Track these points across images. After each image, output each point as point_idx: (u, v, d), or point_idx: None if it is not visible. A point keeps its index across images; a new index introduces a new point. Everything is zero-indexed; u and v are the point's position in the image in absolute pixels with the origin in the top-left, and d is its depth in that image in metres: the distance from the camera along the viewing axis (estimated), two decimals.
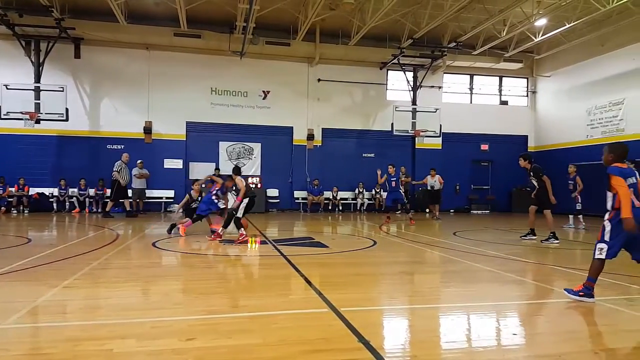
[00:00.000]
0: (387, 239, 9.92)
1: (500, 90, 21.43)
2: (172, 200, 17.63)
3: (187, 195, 10.56)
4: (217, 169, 17.95)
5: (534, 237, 9.61)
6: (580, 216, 12.59)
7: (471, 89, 21.17)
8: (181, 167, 18.05)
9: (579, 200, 12.29)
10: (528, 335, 3.58)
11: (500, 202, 20.38)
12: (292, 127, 19.14)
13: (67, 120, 15.93)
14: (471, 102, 21.09)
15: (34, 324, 3.62)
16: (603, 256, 4.45)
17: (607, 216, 4.45)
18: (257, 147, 18.91)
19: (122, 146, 17.12)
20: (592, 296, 4.43)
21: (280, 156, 18.95)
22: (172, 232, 9.75)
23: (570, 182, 12.51)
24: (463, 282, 5.48)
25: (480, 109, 20.89)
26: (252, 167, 18.77)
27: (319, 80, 19.19)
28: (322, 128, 19.37)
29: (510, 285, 5.35)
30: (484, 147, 20.90)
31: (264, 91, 18.81)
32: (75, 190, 16.66)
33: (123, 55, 17.53)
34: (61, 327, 3.47)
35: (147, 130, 17.62)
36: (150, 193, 16.83)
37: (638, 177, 4.44)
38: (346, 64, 19.28)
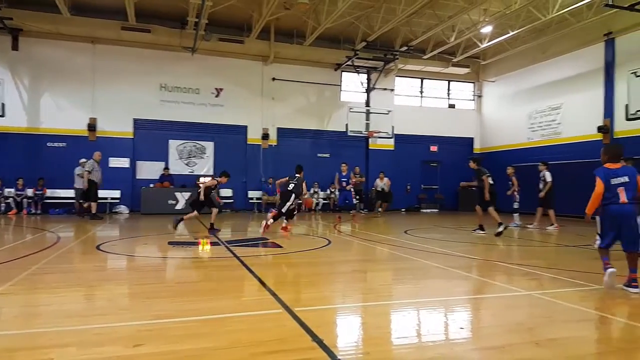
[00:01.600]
0: (341, 238, 10.01)
1: (448, 94, 22.20)
2: (117, 200, 16.90)
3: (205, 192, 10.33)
4: (166, 168, 17.42)
5: (483, 232, 10.44)
6: (517, 214, 13.16)
7: (421, 92, 21.79)
8: (128, 166, 17.34)
9: (517, 199, 12.93)
10: (474, 329, 3.72)
11: (448, 201, 21.10)
12: (246, 126, 18.91)
13: (3, 115, 14.92)
14: (421, 105, 21.71)
15: None
16: (596, 246, 5.10)
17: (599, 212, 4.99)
18: (209, 146, 18.51)
19: (65, 144, 16.25)
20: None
21: (234, 155, 18.66)
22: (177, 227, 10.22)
23: (509, 182, 13.16)
24: (414, 279, 5.63)
25: (430, 111, 21.57)
26: (205, 166, 18.35)
27: (273, 79, 19.07)
28: (278, 127, 19.27)
29: (457, 280, 5.55)
30: (433, 148, 21.59)
31: (216, 89, 18.45)
32: (12, 190, 15.55)
33: (66, 48, 16.61)
34: None
35: (91, 127, 16.78)
36: None
37: (638, 174, 4.85)
38: (301, 64, 19.28)
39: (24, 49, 16.23)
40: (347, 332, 3.61)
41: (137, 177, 17.40)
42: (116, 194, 16.87)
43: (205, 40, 16.56)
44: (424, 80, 21.69)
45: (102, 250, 7.47)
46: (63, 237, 9.18)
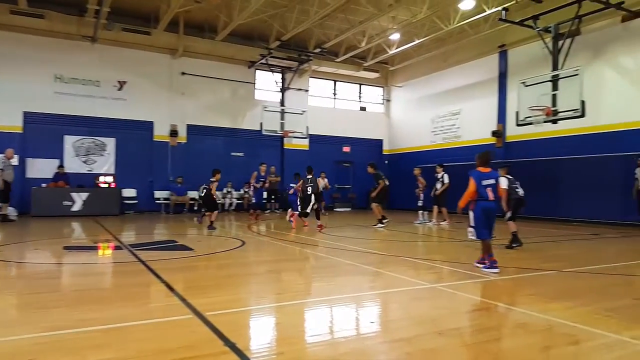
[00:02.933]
0: (255, 238, 9.91)
1: (360, 97, 23.03)
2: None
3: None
4: (61, 166, 15.92)
5: (382, 224, 11.84)
6: (423, 212, 14.04)
7: (334, 94, 22.35)
8: (16, 163, 15.47)
9: (421, 198, 13.83)
10: (383, 322, 3.90)
11: (360, 200, 21.88)
12: (152, 121, 17.92)
13: None
14: (334, 107, 22.28)
15: None
16: (474, 237, 5.96)
17: (470, 207, 5.90)
18: (110, 143, 17.24)
19: None
20: (493, 267, 5.70)
21: (139, 153, 17.59)
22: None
23: (417, 182, 14.01)
24: (326, 277, 5.75)
25: (343, 113, 22.22)
26: (105, 164, 17.05)
27: (183, 73, 18.30)
28: (188, 124, 18.54)
29: (368, 276, 5.78)
30: (346, 149, 22.25)
31: (119, 81, 17.25)
32: None
33: None
34: None
35: None
36: None
37: (499, 178, 6.03)
38: (213, 60, 18.73)
39: None
40: (261, 333, 3.58)
41: (27, 176, 15.67)
42: None
43: (107, 29, 15.41)
44: (337, 83, 22.27)
45: None
46: None
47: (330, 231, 11.22)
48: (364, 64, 20.59)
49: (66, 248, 7.72)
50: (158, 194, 17.74)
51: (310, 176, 11.51)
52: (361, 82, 22.66)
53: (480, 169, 5.93)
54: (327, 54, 19.37)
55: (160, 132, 18.03)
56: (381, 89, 23.42)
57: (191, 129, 18.61)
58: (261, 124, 18.48)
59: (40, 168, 15.84)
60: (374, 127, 22.91)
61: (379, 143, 23.11)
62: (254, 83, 20.07)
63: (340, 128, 21.78)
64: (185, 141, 18.49)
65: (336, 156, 21.97)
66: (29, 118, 15.88)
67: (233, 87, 19.52)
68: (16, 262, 6.60)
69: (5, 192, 12.60)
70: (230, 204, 18.72)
